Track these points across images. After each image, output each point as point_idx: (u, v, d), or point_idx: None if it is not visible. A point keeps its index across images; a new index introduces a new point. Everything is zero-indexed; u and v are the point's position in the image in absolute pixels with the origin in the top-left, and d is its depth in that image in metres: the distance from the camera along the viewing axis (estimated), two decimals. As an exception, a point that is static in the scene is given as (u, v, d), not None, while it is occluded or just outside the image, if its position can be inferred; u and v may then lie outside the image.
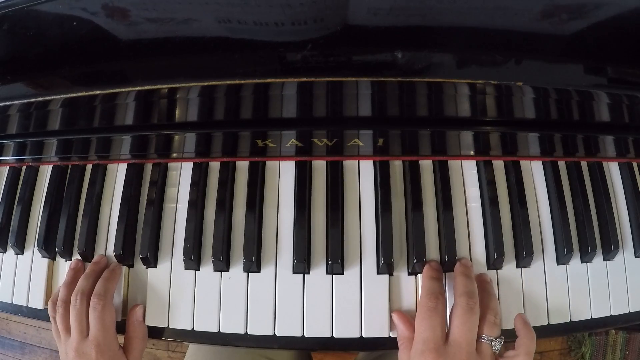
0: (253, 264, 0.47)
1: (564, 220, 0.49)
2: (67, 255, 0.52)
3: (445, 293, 0.45)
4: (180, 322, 0.48)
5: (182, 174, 0.53)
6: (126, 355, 0.47)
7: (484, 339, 0.41)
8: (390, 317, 0.46)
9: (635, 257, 0.51)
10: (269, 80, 0.40)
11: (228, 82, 0.40)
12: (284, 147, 0.50)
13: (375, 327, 0.46)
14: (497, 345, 0.41)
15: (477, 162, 0.51)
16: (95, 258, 0.50)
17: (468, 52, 0.40)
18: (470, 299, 0.42)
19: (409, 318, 0.45)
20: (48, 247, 0.52)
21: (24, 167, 0.57)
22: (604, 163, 0.54)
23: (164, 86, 0.41)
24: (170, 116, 0.47)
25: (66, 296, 0.48)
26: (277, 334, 0.47)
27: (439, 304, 0.42)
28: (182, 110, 0.46)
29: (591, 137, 0.50)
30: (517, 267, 0.49)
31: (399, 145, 0.50)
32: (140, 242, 0.50)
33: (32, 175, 0.56)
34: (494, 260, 0.47)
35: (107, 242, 0.52)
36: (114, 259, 0.51)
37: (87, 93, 0.42)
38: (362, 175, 0.51)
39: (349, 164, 0.51)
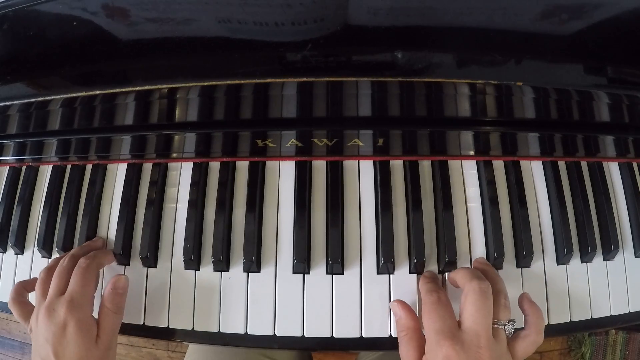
0: (253, 264, 0.47)
1: (564, 220, 0.49)
2: (67, 255, 0.52)
3: (443, 290, 0.44)
4: (180, 322, 0.48)
5: (182, 174, 0.53)
6: (97, 327, 0.43)
7: (498, 324, 0.39)
8: (390, 308, 0.45)
9: (635, 257, 0.51)
10: (269, 80, 0.40)
11: (228, 82, 0.40)
12: (284, 147, 0.50)
13: (376, 327, 0.46)
14: (511, 329, 0.40)
15: (477, 162, 0.51)
16: (95, 238, 0.51)
17: (468, 52, 0.40)
18: (482, 281, 0.39)
19: (411, 307, 0.44)
20: (48, 247, 0.52)
21: (24, 167, 0.57)
22: (604, 163, 0.54)
23: (164, 86, 0.41)
24: (170, 116, 0.47)
25: (51, 264, 0.47)
26: (277, 334, 0.47)
27: (441, 295, 0.41)
28: (182, 110, 0.46)
29: (591, 137, 0.50)
30: (517, 267, 0.49)
31: (399, 145, 0.50)
32: (140, 242, 0.50)
33: (32, 175, 0.56)
34: (494, 260, 0.47)
35: (107, 242, 0.52)
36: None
37: (87, 93, 0.42)
38: (362, 175, 0.51)
39: (349, 164, 0.51)
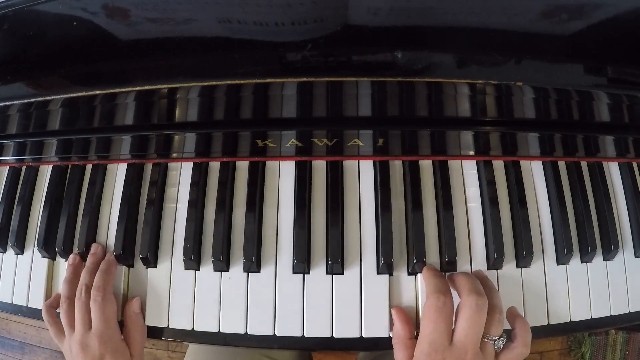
0: (253, 264, 0.47)
1: (564, 220, 0.49)
2: (67, 255, 0.52)
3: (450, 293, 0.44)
4: (180, 322, 0.48)
5: (182, 174, 0.53)
6: (128, 348, 0.47)
7: (488, 339, 0.40)
8: (390, 313, 0.46)
9: (635, 257, 0.51)
10: (269, 80, 0.40)
11: (228, 82, 0.40)
12: (284, 147, 0.50)
13: (375, 327, 0.46)
14: (500, 344, 0.41)
15: (477, 162, 0.51)
16: (92, 249, 0.51)
17: (468, 52, 0.40)
18: (480, 297, 0.40)
19: (408, 317, 0.45)
20: (48, 247, 0.52)
21: (24, 167, 0.57)
22: (604, 163, 0.54)
23: (164, 86, 0.41)
24: (170, 116, 0.47)
25: (69, 292, 0.48)
26: (277, 334, 0.47)
27: (447, 303, 0.41)
28: (182, 110, 0.46)
29: (591, 137, 0.50)
30: (517, 267, 0.49)
31: (399, 145, 0.50)
32: (140, 242, 0.50)
33: (32, 175, 0.56)
34: (494, 260, 0.47)
35: (107, 242, 0.52)
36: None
37: (87, 93, 0.42)
38: (362, 175, 0.51)
39: (349, 164, 0.51)
